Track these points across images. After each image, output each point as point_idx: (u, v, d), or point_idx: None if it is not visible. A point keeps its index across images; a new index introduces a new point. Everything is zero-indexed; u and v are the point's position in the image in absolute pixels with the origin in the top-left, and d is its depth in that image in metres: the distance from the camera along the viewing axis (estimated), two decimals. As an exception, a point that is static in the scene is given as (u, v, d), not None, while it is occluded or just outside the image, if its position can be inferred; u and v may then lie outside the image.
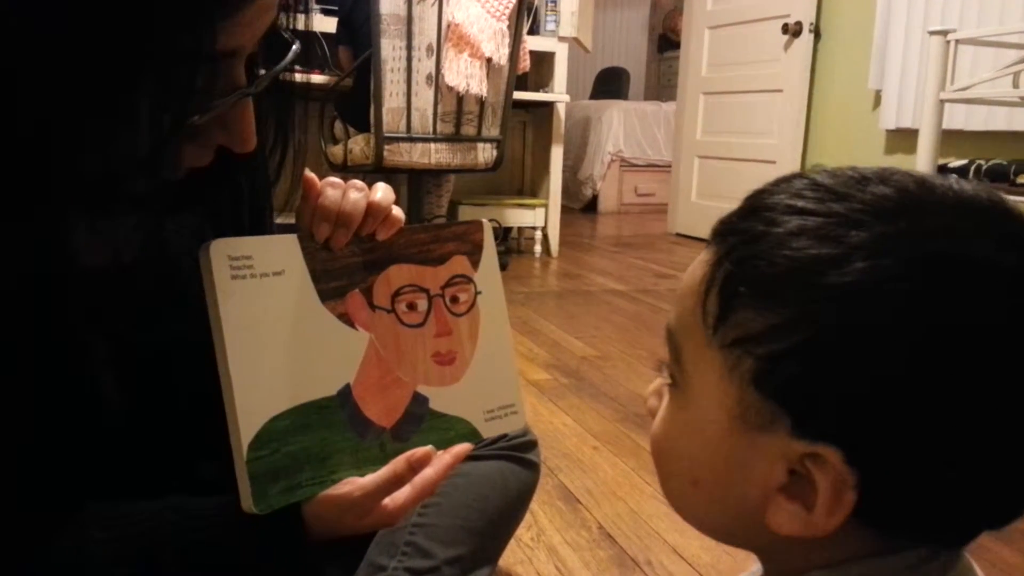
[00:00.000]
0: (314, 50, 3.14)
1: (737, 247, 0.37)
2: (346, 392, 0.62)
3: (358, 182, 0.64)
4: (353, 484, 0.60)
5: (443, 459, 0.63)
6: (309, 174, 0.63)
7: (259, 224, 0.74)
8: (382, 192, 0.64)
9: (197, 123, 0.50)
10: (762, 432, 0.36)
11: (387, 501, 0.60)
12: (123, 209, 0.60)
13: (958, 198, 0.35)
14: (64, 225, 0.55)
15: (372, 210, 0.63)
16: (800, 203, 0.36)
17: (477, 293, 0.70)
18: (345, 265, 0.63)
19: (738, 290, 0.36)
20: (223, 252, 0.57)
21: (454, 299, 0.69)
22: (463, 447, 0.64)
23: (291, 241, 0.60)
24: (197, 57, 0.47)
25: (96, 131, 0.47)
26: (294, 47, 0.56)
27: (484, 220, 0.72)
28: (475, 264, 0.70)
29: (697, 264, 0.40)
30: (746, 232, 0.37)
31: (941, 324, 0.33)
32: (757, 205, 0.38)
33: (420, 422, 0.66)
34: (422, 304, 0.67)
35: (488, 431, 0.70)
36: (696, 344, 0.39)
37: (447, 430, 0.67)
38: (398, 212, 0.65)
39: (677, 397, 0.41)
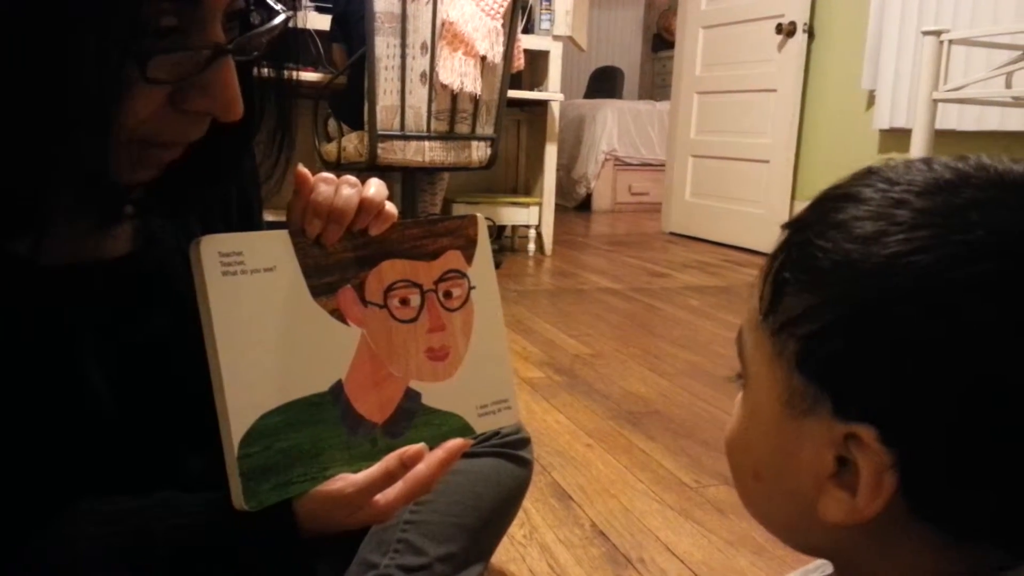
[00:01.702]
0: (307, 43, 3.14)
1: (793, 235, 0.38)
2: (338, 388, 0.62)
3: (351, 178, 0.63)
4: (345, 480, 0.59)
5: (436, 455, 0.62)
6: (302, 169, 0.62)
7: (248, 218, 0.74)
8: (375, 188, 0.64)
9: (165, 79, 0.49)
10: (808, 417, 0.37)
11: (379, 497, 0.60)
12: (114, 199, 0.59)
13: (1008, 174, 0.35)
14: (43, 211, 0.53)
15: (365, 206, 0.63)
16: (860, 191, 0.37)
17: (471, 288, 0.70)
18: (337, 261, 0.63)
19: (785, 276, 0.37)
20: (213, 248, 0.56)
21: (447, 294, 0.68)
22: (457, 443, 0.64)
23: (282, 237, 0.60)
24: None
25: (47, 75, 0.45)
26: (282, 15, 0.55)
27: (478, 215, 0.71)
28: (469, 259, 0.70)
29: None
30: (804, 221, 0.38)
31: (964, 295, 0.32)
32: (823, 197, 0.39)
33: (412, 418, 0.66)
34: (415, 299, 0.66)
35: (481, 426, 0.70)
36: (755, 335, 0.40)
37: (440, 425, 0.67)
38: (391, 208, 0.65)
39: (743, 394, 0.42)
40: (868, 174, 0.38)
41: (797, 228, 0.38)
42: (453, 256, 0.69)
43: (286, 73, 0.61)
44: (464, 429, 0.69)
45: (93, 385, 0.61)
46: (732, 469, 0.44)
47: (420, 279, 0.67)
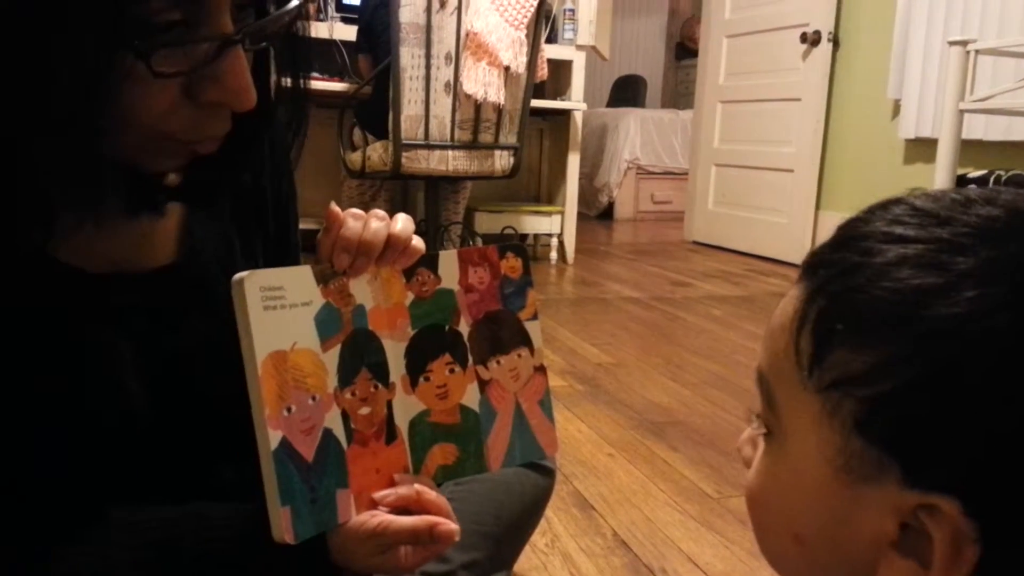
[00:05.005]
0: (331, 52, 3.17)
1: (831, 281, 0.35)
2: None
3: (379, 211, 0.64)
4: (378, 517, 0.60)
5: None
6: (334, 207, 0.63)
7: (284, 231, 0.75)
8: (402, 223, 0.64)
9: (172, 72, 0.50)
10: (869, 483, 0.33)
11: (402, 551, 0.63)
12: (145, 189, 0.59)
13: None
14: (52, 213, 0.54)
15: (392, 241, 0.64)
16: (899, 230, 0.34)
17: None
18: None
19: (835, 327, 0.34)
20: (256, 283, 0.56)
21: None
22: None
23: (309, 273, 0.60)
24: None
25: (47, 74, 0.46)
26: (294, 2, 0.55)
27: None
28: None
29: (787, 300, 0.37)
30: (840, 264, 0.35)
31: None
32: (851, 234, 0.35)
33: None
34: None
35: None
36: (790, 388, 0.36)
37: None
38: (418, 243, 0.65)
39: (773, 447, 0.39)
40: (897, 204, 0.35)
41: (834, 272, 0.35)
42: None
43: (300, 62, 0.61)
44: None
45: (131, 392, 0.62)
46: (757, 525, 0.41)
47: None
